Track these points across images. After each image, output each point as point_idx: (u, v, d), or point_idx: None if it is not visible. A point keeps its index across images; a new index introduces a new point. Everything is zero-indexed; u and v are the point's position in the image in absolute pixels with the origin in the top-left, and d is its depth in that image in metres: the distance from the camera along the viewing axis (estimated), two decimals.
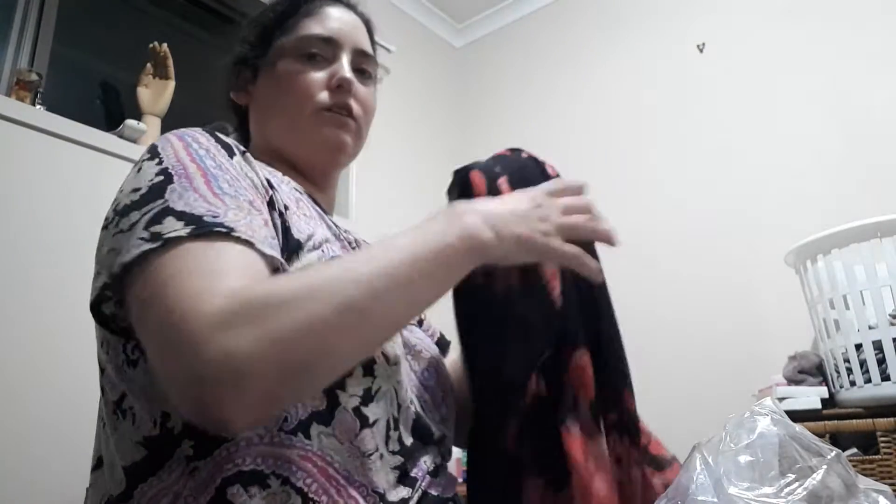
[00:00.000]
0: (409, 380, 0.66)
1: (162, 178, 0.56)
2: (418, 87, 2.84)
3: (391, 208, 2.50)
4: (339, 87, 0.77)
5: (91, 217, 1.71)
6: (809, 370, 1.64)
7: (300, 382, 0.48)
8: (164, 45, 1.98)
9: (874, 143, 1.97)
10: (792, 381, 1.65)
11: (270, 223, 0.58)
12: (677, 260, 2.25)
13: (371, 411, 0.59)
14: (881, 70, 2.00)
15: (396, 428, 0.62)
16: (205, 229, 0.51)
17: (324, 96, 0.76)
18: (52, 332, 1.59)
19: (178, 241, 0.50)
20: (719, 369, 2.04)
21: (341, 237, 0.71)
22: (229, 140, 0.65)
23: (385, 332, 0.55)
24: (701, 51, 2.38)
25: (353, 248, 0.72)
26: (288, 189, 0.69)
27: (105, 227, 0.58)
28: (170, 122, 2.02)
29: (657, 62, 2.48)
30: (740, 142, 2.22)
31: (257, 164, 0.65)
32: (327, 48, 0.79)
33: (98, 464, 0.63)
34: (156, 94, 1.95)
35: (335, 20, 0.81)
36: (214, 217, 0.52)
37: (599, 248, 0.75)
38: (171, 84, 1.98)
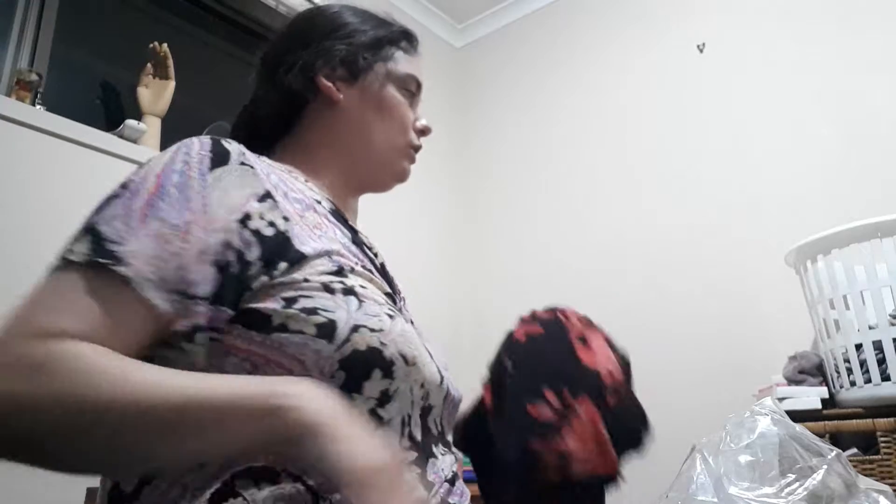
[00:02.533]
0: (426, 378, 0.67)
1: (118, 190, 0.59)
2: None
3: (390, 208, 2.50)
4: (422, 134, 0.87)
5: None
6: (809, 370, 1.64)
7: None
8: (164, 45, 1.98)
9: (874, 143, 1.96)
10: (792, 381, 1.65)
11: (195, 253, 0.56)
12: (677, 260, 2.25)
13: (386, 412, 0.60)
14: (881, 70, 2.00)
15: (409, 424, 0.63)
16: (96, 258, 0.54)
17: (412, 136, 0.85)
18: None
19: (72, 265, 0.54)
20: (719, 369, 2.04)
21: (362, 245, 0.72)
22: (232, 149, 0.64)
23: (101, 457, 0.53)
24: (701, 51, 2.38)
25: (374, 257, 0.73)
26: (299, 197, 0.68)
27: None
28: (170, 123, 2.01)
29: (657, 62, 2.48)
30: (740, 142, 2.22)
31: (266, 173, 0.65)
32: (416, 93, 0.86)
33: None
34: (156, 94, 1.95)
35: (421, 69, 0.87)
36: (114, 243, 0.54)
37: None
38: (171, 84, 1.98)
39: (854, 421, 1.46)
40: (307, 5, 2.50)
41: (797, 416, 1.36)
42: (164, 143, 1.99)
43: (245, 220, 0.59)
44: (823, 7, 2.15)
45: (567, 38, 2.78)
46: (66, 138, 1.70)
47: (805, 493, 0.53)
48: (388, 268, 0.78)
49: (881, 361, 1.46)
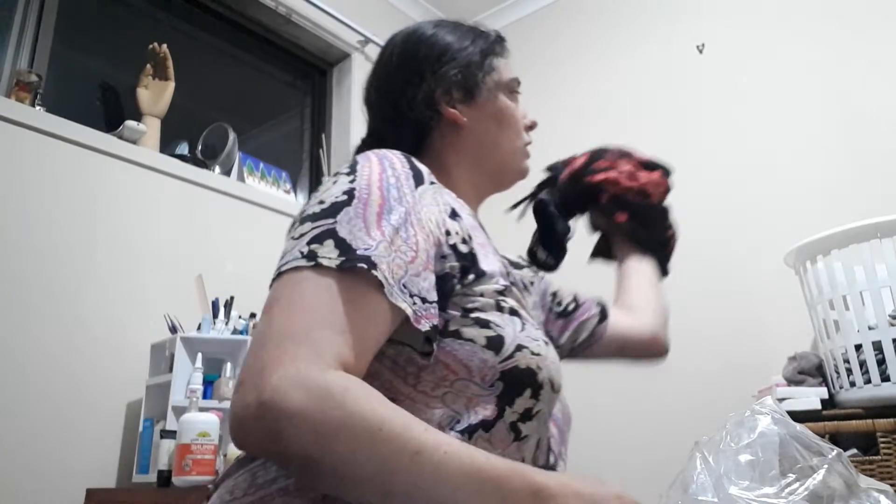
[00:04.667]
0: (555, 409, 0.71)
1: (345, 198, 0.61)
2: None
3: None
4: (531, 129, 0.91)
5: (91, 218, 1.72)
6: (809, 371, 1.64)
7: (306, 469, 0.52)
8: (164, 46, 1.98)
9: (874, 143, 1.97)
10: (792, 382, 1.65)
11: (423, 262, 0.61)
12: (677, 260, 2.24)
13: (526, 428, 0.64)
14: (881, 71, 2.00)
15: (544, 449, 0.67)
16: (351, 263, 0.56)
17: (525, 135, 0.90)
18: (54, 331, 1.59)
19: (326, 270, 0.56)
20: (719, 370, 2.04)
21: (503, 262, 0.75)
22: (423, 168, 0.69)
23: None
24: (700, 51, 2.38)
25: (509, 272, 0.75)
26: (466, 216, 0.72)
27: (289, 230, 0.64)
28: (169, 123, 2.02)
29: (657, 63, 2.49)
30: (740, 142, 2.22)
31: (445, 191, 0.70)
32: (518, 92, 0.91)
33: None
34: (155, 95, 1.96)
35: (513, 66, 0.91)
36: (366, 250, 0.57)
37: None
38: (171, 85, 1.98)
39: (854, 421, 1.46)
40: (307, 6, 2.50)
41: (797, 416, 1.36)
42: (164, 144, 1.99)
43: (447, 234, 0.65)
44: (823, 8, 2.15)
45: (566, 39, 2.78)
46: (65, 139, 1.70)
47: (806, 492, 0.53)
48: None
49: (881, 362, 1.46)
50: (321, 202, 0.62)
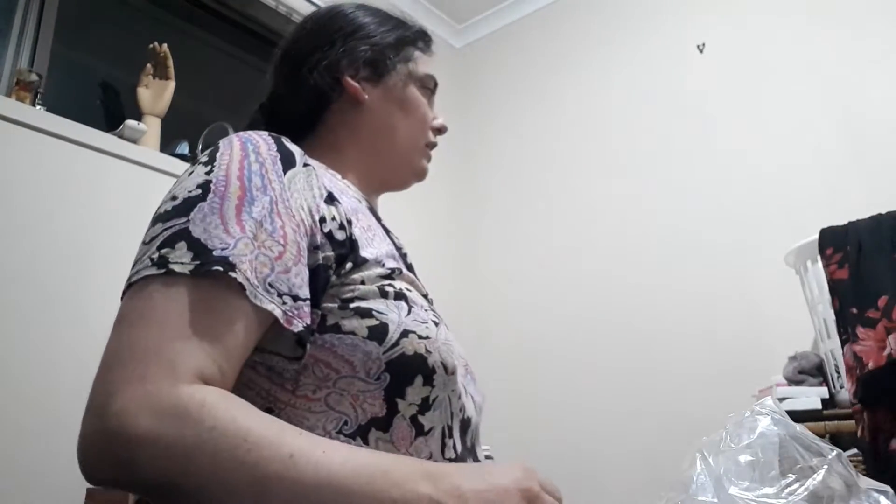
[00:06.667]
0: (461, 387, 0.66)
1: (199, 192, 0.56)
2: None
3: (390, 208, 2.50)
4: (439, 132, 0.86)
5: (91, 218, 1.72)
6: (809, 370, 1.64)
7: (168, 495, 0.48)
8: (164, 46, 1.98)
9: (874, 142, 1.97)
10: (792, 382, 1.65)
11: (293, 256, 0.56)
12: (677, 260, 2.25)
13: (427, 420, 0.60)
14: (880, 69, 2.00)
15: (451, 436, 0.62)
16: (206, 267, 0.51)
17: (430, 134, 0.85)
18: (53, 332, 1.59)
19: (179, 277, 0.51)
20: (719, 369, 2.04)
21: (398, 245, 0.72)
22: (294, 149, 0.64)
23: None
24: (701, 51, 2.38)
25: (404, 257, 0.72)
26: (348, 199, 0.68)
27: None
28: (170, 123, 2.01)
29: (657, 62, 2.49)
30: (740, 142, 2.22)
31: (322, 174, 0.66)
32: (433, 92, 0.87)
33: None
34: (156, 94, 1.95)
35: (434, 67, 0.88)
36: (223, 250, 0.52)
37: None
38: (171, 84, 1.98)
39: (854, 422, 1.46)
40: (307, 6, 2.50)
41: (797, 416, 1.36)
42: (164, 144, 1.99)
43: (321, 222, 0.60)
44: (823, 7, 2.15)
45: (567, 39, 2.78)
46: (66, 139, 1.70)
47: (806, 493, 0.53)
48: (415, 266, 0.76)
49: None
50: (174, 198, 0.57)
